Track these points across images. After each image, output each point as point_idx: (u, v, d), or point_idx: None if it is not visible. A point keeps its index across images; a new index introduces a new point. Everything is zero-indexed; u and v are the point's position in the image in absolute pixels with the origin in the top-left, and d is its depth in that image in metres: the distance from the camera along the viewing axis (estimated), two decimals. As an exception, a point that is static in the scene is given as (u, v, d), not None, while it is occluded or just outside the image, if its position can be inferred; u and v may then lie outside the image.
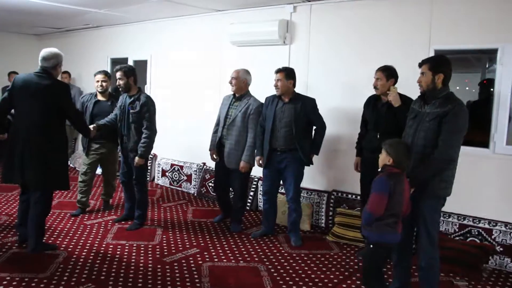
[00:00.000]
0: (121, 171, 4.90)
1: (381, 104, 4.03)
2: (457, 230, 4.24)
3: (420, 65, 3.15)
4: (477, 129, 4.54)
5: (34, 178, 3.75)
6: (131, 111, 4.50)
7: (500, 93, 4.17)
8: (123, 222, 4.93)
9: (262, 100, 4.58)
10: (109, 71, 7.87)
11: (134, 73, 4.58)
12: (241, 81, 4.62)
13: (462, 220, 4.23)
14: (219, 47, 6.15)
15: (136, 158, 4.51)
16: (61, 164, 3.91)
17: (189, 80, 6.57)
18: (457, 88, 6.15)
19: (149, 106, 4.50)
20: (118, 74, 4.52)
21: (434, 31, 4.42)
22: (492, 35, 4.16)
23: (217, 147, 4.75)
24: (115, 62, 8.06)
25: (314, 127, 4.46)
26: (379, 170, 2.97)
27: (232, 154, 4.58)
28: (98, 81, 5.13)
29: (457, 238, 4.22)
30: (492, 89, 4.56)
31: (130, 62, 7.61)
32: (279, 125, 4.36)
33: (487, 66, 5.51)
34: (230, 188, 5.03)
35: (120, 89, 4.61)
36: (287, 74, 4.38)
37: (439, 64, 3.09)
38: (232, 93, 4.72)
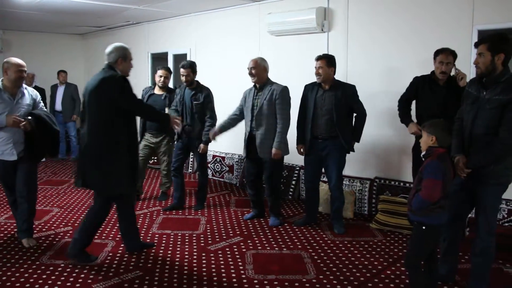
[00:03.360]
0: (175, 158, 5.18)
1: (438, 87, 3.85)
2: (505, 216, 4.11)
3: (477, 45, 2.93)
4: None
5: (92, 183, 3.58)
6: (195, 102, 4.93)
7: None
8: (172, 211, 5.15)
9: (301, 90, 4.55)
10: (149, 66, 8.11)
11: (196, 69, 5.02)
12: (261, 69, 4.52)
13: (510, 205, 4.09)
14: (257, 37, 6.17)
15: (202, 145, 4.94)
16: (119, 167, 3.52)
17: (228, 72, 6.63)
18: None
19: (210, 97, 5.00)
20: (184, 71, 4.92)
21: (477, 10, 4.25)
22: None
23: (247, 141, 4.65)
24: (155, 57, 8.24)
25: (355, 114, 4.40)
26: (423, 154, 2.90)
27: (264, 144, 4.47)
28: (161, 76, 5.39)
29: (506, 224, 4.09)
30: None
31: (170, 57, 7.77)
32: (320, 113, 4.33)
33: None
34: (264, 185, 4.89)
35: (185, 83, 5.01)
36: (328, 61, 4.33)
37: (499, 42, 2.83)
38: (253, 84, 4.62)
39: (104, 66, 3.64)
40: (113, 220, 4.71)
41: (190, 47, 7.34)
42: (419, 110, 4.03)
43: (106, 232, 4.37)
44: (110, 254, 3.82)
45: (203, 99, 4.93)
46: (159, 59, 8.17)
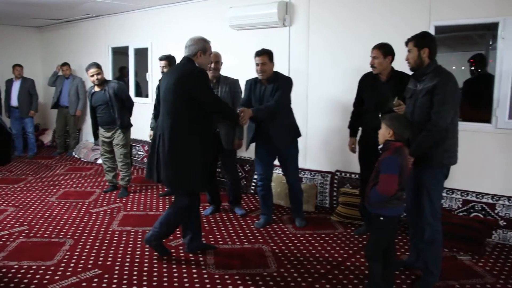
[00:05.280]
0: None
1: (381, 83, 3.96)
2: (460, 206, 4.25)
3: (407, 43, 3.26)
4: (476, 105, 4.56)
5: (166, 178, 3.48)
6: None
7: (502, 67, 4.13)
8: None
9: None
10: (110, 60, 7.95)
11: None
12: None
13: (465, 196, 4.23)
14: (219, 32, 6.12)
15: None
16: (193, 163, 3.41)
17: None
18: (462, 68, 6.11)
19: None
20: (163, 63, 5.11)
21: (434, 7, 4.37)
22: (492, 8, 4.11)
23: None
24: (116, 51, 8.08)
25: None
26: (380, 147, 2.96)
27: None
28: (93, 75, 5.32)
29: (461, 214, 4.23)
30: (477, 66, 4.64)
31: (131, 51, 7.63)
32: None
33: (490, 43, 5.46)
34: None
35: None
36: (270, 56, 4.20)
37: (423, 39, 3.19)
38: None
39: (182, 59, 3.54)
40: (71, 218, 4.61)
41: (151, 41, 7.22)
42: (365, 106, 4.12)
43: (64, 230, 4.27)
44: (68, 253, 3.73)
45: None
46: (120, 53, 8.02)
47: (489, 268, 3.52)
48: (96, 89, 5.43)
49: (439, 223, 3.18)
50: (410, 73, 3.37)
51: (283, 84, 4.24)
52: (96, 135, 5.61)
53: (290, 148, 4.36)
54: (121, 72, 8.51)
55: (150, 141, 5.59)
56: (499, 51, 4.14)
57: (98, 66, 5.35)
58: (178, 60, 5.53)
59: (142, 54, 7.50)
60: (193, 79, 3.34)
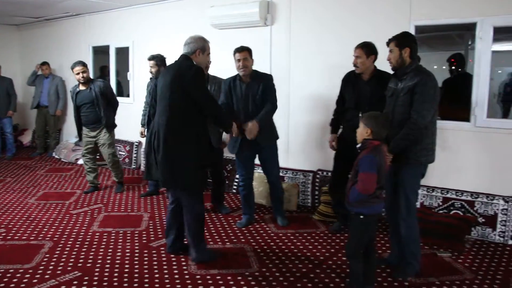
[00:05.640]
0: (146, 149, 5.27)
1: (363, 82, 3.97)
2: (440, 203, 4.30)
3: (388, 43, 3.31)
4: (456, 104, 4.62)
5: (161, 175, 3.43)
6: None
7: (480, 67, 4.19)
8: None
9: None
10: (91, 59, 7.85)
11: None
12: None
13: (445, 193, 4.28)
14: (200, 31, 6.01)
15: None
16: (188, 161, 3.34)
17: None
18: (443, 67, 6.19)
19: None
20: (151, 63, 5.12)
21: (414, 7, 4.42)
22: (471, 9, 4.17)
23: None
24: (97, 50, 7.98)
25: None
26: (359, 145, 2.98)
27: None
28: (78, 73, 5.32)
29: (441, 211, 4.28)
30: (457, 66, 4.71)
31: (112, 50, 7.54)
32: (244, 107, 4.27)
33: (469, 43, 5.54)
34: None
35: (151, 75, 5.22)
36: (250, 53, 4.21)
37: (404, 39, 3.25)
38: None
39: (180, 56, 3.49)
40: (51, 219, 4.54)
41: (132, 40, 7.16)
42: (345, 104, 4.13)
43: (44, 232, 4.20)
44: (47, 255, 3.66)
45: None
46: (100, 52, 7.93)
47: (468, 265, 3.57)
48: (81, 87, 5.41)
49: (414, 218, 3.25)
50: (389, 71, 3.41)
51: (271, 83, 4.29)
52: (81, 135, 5.57)
53: (272, 146, 4.37)
54: (102, 72, 8.40)
55: (140, 138, 5.62)
56: (477, 51, 4.19)
57: (83, 64, 5.36)
58: (168, 59, 5.59)
59: (123, 53, 7.42)
60: (189, 76, 3.31)
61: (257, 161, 4.45)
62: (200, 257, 3.56)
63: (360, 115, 3.80)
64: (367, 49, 3.88)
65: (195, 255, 3.56)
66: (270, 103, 4.21)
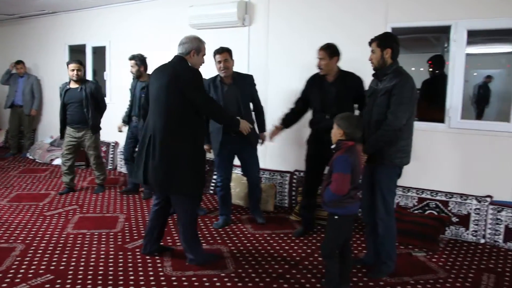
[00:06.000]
0: (125, 147, 5.43)
1: (328, 84, 3.95)
2: (416, 203, 4.35)
3: (370, 43, 3.31)
4: (433, 105, 4.68)
5: (156, 181, 3.34)
6: (143, 95, 4.91)
7: (454, 69, 4.26)
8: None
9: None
10: (67, 58, 7.72)
11: (145, 62, 5.22)
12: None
13: (420, 193, 4.34)
14: (178, 31, 6.01)
15: None
16: (188, 164, 3.29)
17: (149, 65, 6.44)
18: (421, 69, 6.29)
19: None
20: (131, 63, 5.15)
21: (391, 9, 4.47)
22: (446, 12, 4.24)
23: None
24: (73, 49, 7.85)
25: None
26: (333, 146, 2.99)
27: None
28: (73, 70, 5.30)
29: (416, 211, 4.33)
30: (435, 67, 4.82)
31: (89, 49, 7.44)
32: (230, 107, 4.25)
33: (445, 45, 5.64)
34: None
35: (132, 74, 5.26)
36: (231, 53, 4.22)
37: (386, 39, 3.25)
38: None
39: (174, 57, 3.40)
40: (23, 221, 4.45)
41: (109, 40, 7.07)
42: (311, 107, 4.13)
43: (15, 235, 4.10)
44: (18, 258, 3.57)
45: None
46: (77, 51, 7.80)
47: (442, 264, 3.62)
48: (72, 85, 5.37)
49: (392, 218, 3.28)
50: (365, 72, 3.43)
51: (255, 87, 4.43)
52: (63, 134, 5.49)
53: (255, 145, 4.41)
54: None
55: (118, 132, 5.56)
56: (452, 54, 4.27)
57: (80, 62, 5.38)
58: (147, 59, 5.58)
59: (100, 53, 7.33)
60: (187, 79, 3.24)
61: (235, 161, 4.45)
62: (197, 260, 3.52)
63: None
64: (330, 51, 3.88)
65: (192, 257, 3.52)
66: (261, 108, 4.43)
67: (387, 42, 3.22)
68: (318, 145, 3.99)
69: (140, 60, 5.16)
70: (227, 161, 4.42)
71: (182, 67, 3.31)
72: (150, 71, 5.38)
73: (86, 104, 5.30)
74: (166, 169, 3.28)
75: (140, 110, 5.11)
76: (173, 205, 3.54)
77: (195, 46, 3.39)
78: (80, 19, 7.46)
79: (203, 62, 3.49)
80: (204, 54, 3.50)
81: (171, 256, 3.69)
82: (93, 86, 5.40)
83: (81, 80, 5.37)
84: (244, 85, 4.30)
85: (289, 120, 4.23)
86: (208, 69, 4.52)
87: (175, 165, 3.27)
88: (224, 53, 4.19)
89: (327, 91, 3.93)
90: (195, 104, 3.28)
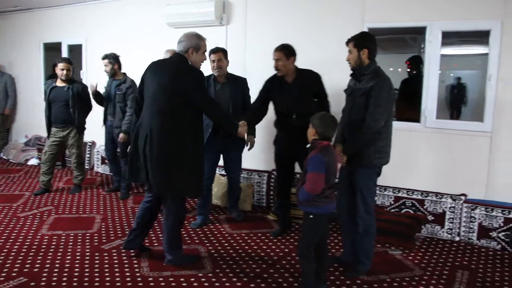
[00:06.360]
0: (106, 148, 5.48)
1: (287, 85, 3.94)
2: (392, 202, 4.40)
3: (347, 43, 3.31)
4: (409, 105, 4.74)
5: (155, 181, 3.26)
6: (118, 92, 5.12)
7: (430, 70, 4.32)
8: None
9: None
10: (42, 56, 7.58)
11: (118, 60, 5.22)
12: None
13: (397, 192, 4.39)
14: (156, 29, 6.00)
15: (121, 134, 5.08)
16: (187, 165, 3.25)
17: (126, 64, 6.36)
18: (399, 70, 6.37)
19: (133, 88, 5.07)
20: (105, 62, 5.15)
21: (367, 10, 4.51)
22: (421, 13, 4.30)
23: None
24: (48, 47, 7.72)
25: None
26: (308, 146, 3.00)
27: None
28: (62, 69, 5.29)
29: (393, 210, 4.38)
30: (413, 68, 4.90)
31: (64, 47, 7.32)
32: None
33: (422, 46, 5.73)
34: None
35: (106, 74, 5.25)
36: (288, 52, 4.10)
37: (363, 40, 3.25)
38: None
39: (173, 55, 3.33)
40: (-4, 223, 4.36)
41: (86, 38, 6.97)
42: (275, 109, 4.11)
43: (-13, 236, 4.01)
44: (-10, 260, 3.50)
45: (125, 90, 5.13)
46: (52, 49, 7.66)
47: (417, 261, 3.67)
48: (58, 84, 5.34)
49: (372, 217, 3.30)
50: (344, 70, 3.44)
51: (247, 90, 4.45)
52: (50, 133, 5.44)
53: (241, 145, 4.43)
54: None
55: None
56: (427, 54, 4.33)
57: (70, 62, 5.36)
58: (124, 58, 5.52)
59: (76, 51, 7.21)
60: (189, 79, 3.18)
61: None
62: (175, 261, 3.48)
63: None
64: (287, 51, 3.88)
65: (171, 258, 3.47)
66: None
67: (364, 43, 3.23)
68: (287, 145, 4.01)
69: (113, 59, 5.15)
70: (212, 161, 4.41)
71: (183, 67, 3.25)
72: (124, 69, 5.41)
73: (72, 104, 5.27)
74: (165, 170, 3.22)
75: (115, 108, 5.17)
76: (163, 204, 3.48)
77: (193, 44, 3.31)
78: (56, 16, 7.33)
79: (204, 59, 3.43)
80: (205, 51, 3.42)
81: (149, 256, 3.65)
82: (81, 87, 5.37)
83: (69, 79, 5.32)
84: (236, 86, 4.32)
85: (251, 122, 4.10)
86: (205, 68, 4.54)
87: (174, 166, 3.22)
88: (218, 52, 4.23)
89: (289, 92, 3.92)
90: (197, 106, 3.23)
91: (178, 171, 3.23)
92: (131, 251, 3.66)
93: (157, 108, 3.23)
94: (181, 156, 3.22)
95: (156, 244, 3.93)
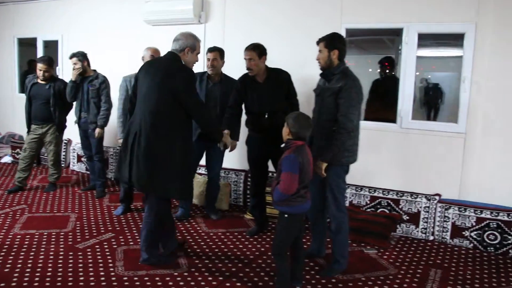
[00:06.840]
0: (82, 146, 5.47)
1: (259, 85, 3.96)
2: (368, 202, 4.44)
3: (318, 43, 3.35)
4: (383, 105, 4.80)
5: (139, 179, 3.21)
6: (91, 88, 5.09)
7: (406, 71, 4.38)
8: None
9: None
10: (16, 52, 7.42)
11: (87, 58, 5.16)
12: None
13: (373, 192, 4.43)
14: (133, 26, 5.93)
15: (97, 129, 5.08)
16: (174, 166, 3.20)
17: (103, 61, 6.28)
18: (378, 70, 6.42)
19: (106, 83, 5.16)
20: (74, 60, 5.06)
21: (345, 11, 4.54)
22: (398, 15, 4.36)
23: None
24: (23, 42, 7.55)
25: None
26: (283, 145, 3.01)
27: None
28: (40, 70, 5.21)
29: (369, 209, 4.42)
30: (388, 69, 5.01)
31: (40, 43, 7.17)
32: (211, 105, 4.32)
33: (399, 47, 5.79)
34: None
35: (77, 72, 5.09)
36: (222, 53, 4.25)
37: (333, 40, 3.29)
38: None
39: (167, 53, 3.26)
40: (-34, 221, 4.25)
41: (62, 33, 6.84)
42: (246, 108, 4.13)
43: (-43, 235, 3.91)
44: (-40, 260, 3.41)
45: (98, 85, 5.11)
46: (27, 45, 7.50)
47: (392, 260, 3.71)
48: (39, 81, 5.29)
49: (344, 214, 3.35)
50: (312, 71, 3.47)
51: None
52: (29, 128, 5.37)
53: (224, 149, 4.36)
54: (30, 66, 7.96)
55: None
56: (403, 55, 4.39)
57: (49, 63, 5.28)
58: (101, 55, 5.45)
59: (52, 47, 7.07)
60: (179, 80, 3.14)
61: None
62: (151, 261, 3.44)
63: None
64: (259, 50, 3.89)
65: (147, 257, 3.43)
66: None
67: (334, 43, 3.27)
68: (259, 145, 4.03)
69: (82, 56, 5.09)
70: (197, 156, 4.41)
71: (176, 66, 3.22)
72: (101, 66, 5.34)
73: (53, 102, 5.23)
74: (150, 169, 3.18)
75: (89, 104, 5.12)
76: (147, 201, 3.43)
77: (190, 44, 3.29)
78: (31, 11, 7.16)
79: (197, 61, 3.42)
80: (199, 53, 3.41)
81: (123, 255, 3.61)
82: (62, 86, 5.29)
83: (49, 79, 5.28)
84: (227, 88, 4.29)
85: (233, 125, 4.19)
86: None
87: (160, 166, 3.18)
88: (214, 52, 4.29)
89: (261, 91, 3.93)
90: (185, 107, 3.20)
91: (163, 171, 3.18)
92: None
93: (148, 107, 3.20)
94: (168, 157, 3.18)
95: (131, 243, 3.89)
